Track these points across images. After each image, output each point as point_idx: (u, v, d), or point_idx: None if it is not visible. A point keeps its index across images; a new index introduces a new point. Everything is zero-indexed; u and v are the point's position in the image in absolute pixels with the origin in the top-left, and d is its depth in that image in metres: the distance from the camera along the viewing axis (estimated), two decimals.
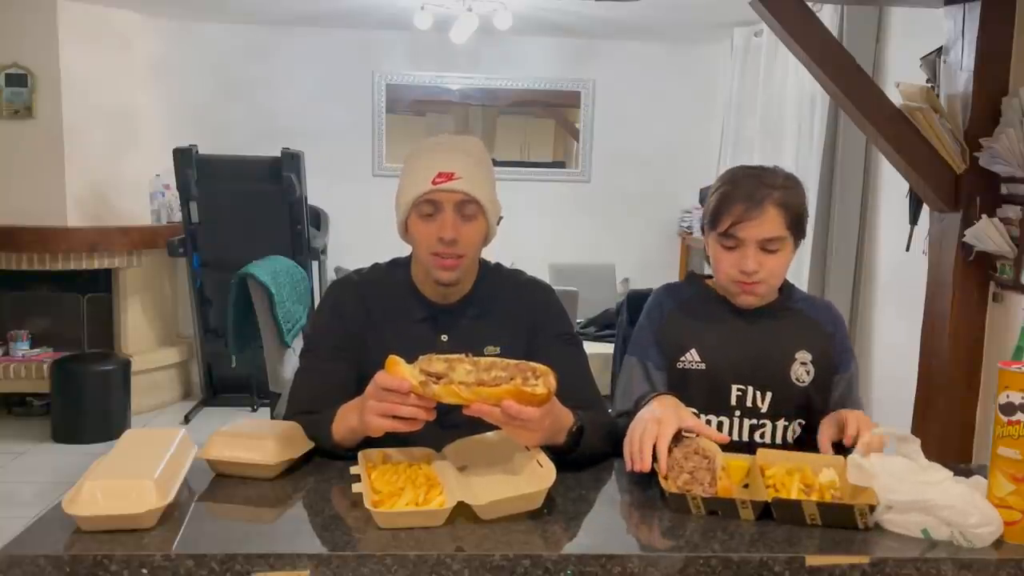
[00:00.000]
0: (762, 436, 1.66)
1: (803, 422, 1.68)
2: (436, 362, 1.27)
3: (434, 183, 1.49)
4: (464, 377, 1.25)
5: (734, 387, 1.66)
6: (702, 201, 1.49)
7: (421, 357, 1.29)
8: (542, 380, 1.24)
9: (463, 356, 1.29)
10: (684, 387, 1.65)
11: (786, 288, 1.73)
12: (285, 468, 1.36)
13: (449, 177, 1.49)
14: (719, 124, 5.02)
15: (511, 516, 1.19)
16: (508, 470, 1.32)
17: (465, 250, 1.53)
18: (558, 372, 1.34)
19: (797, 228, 1.62)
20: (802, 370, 1.66)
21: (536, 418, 1.24)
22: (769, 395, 1.65)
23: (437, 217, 1.52)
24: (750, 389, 1.66)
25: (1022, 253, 2.25)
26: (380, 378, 1.28)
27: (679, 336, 1.68)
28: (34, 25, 4.52)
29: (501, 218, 1.62)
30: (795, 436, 1.68)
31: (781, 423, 1.66)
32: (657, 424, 1.37)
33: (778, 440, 1.66)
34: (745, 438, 1.65)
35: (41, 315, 4.90)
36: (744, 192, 1.59)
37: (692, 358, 1.66)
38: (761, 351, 1.66)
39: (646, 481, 1.37)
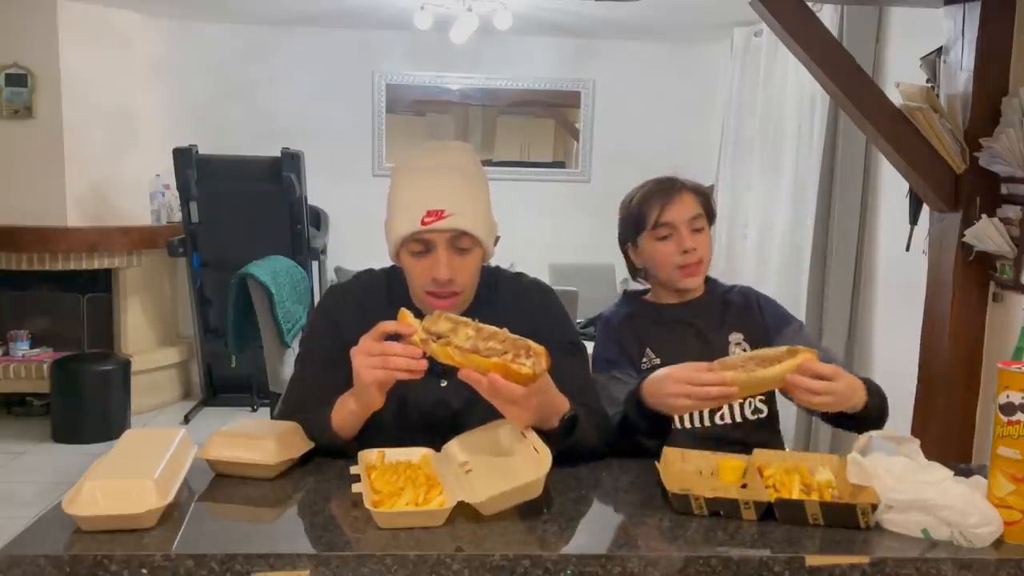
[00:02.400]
0: (722, 418, 1.71)
1: (763, 397, 1.73)
2: (443, 321, 1.31)
3: (424, 223, 1.41)
4: (462, 342, 1.28)
5: None
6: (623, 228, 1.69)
7: (433, 313, 1.33)
8: (533, 361, 1.26)
9: (469, 320, 1.31)
10: None
11: (709, 281, 1.84)
12: (285, 468, 1.36)
13: (439, 215, 1.41)
14: (719, 124, 5.02)
15: (511, 515, 1.19)
16: (505, 461, 1.32)
17: (462, 287, 1.49)
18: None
19: (709, 212, 1.78)
20: (738, 350, 1.73)
21: (520, 396, 1.25)
22: None
23: (429, 256, 1.46)
24: None
25: (1022, 253, 2.25)
26: (386, 324, 1.31)
27: (635, 341, 1.77)
28: (34, 25, 4.52)
29: (498, 238, 1.57)
30: (755, 411, 1.73)
31: (736, 402, 1.70)
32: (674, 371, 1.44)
33: (738, 419, 1.71)
34: (707, 423, 1.70)
35: (41, 315, 4.91)
36: (660, 188, 1.76)
37: (650, 357, 1.75)
38: (701, 340, 1.75)
39: (646, 481, 1.37)
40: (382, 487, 1.24)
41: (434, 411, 1.49)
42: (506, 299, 1.61)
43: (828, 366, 1.42)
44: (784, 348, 1.45)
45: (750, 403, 1.72)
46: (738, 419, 1.71)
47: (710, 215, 1.78)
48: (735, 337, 1.76)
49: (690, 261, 1.72)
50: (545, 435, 1.33)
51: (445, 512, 1.16)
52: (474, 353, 1.26)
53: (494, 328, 1.29)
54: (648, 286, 1.88)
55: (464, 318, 1.32)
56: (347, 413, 1.40)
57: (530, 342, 1.28)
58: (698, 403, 1.42)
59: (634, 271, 1.88)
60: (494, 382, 1.23)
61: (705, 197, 1.78)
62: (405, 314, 1.33)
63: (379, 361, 1.29)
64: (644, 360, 1.75)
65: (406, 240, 1.46)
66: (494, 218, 1.54)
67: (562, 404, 1.39)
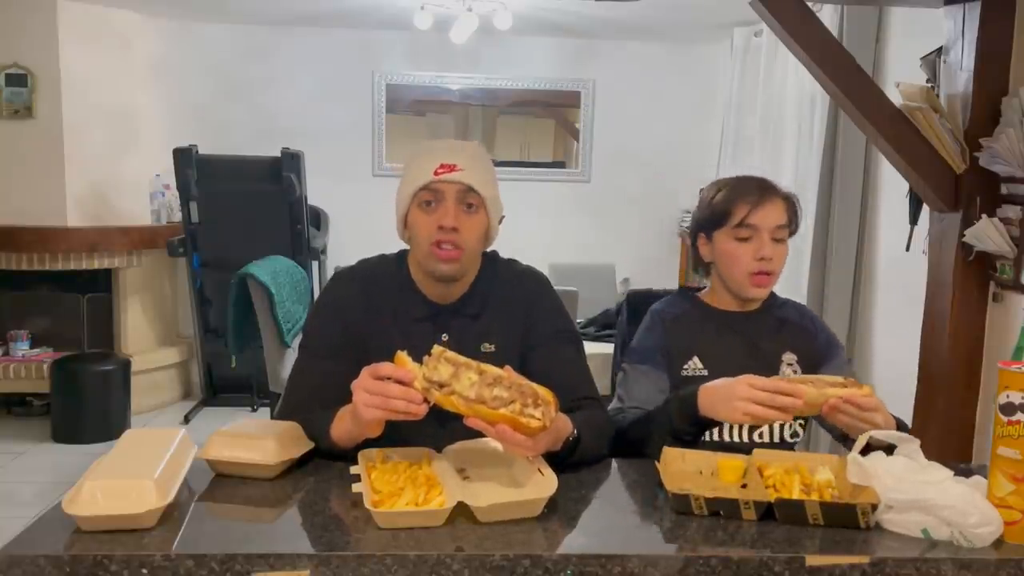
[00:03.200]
0: (760, 436, 1.68)
1: (803, 422, 1.70)
2: (444, 366, 1.27)
3: (436, 174, 1.50)
4: (466, 390, 1.25)
5: None
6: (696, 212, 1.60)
7: (434, 350, 1.30)
8: (542, 410, 1.23)
9: (471, 362, 1.28)
10: None
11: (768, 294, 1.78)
12: (285, 468, 1.36)
13: (451, 168, 1.50)
14: (719, 124, 5.02)
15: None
16: (510, 475, 1.32)
17: (465, 242, 1.52)
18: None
19: (794, 224, 1.71)
20: (788, 371, 1.70)
21: (529, 444, 1.25)
22: None
23: (438, 208, 1.52)
24: None
25: (1022, 253, 2.25)
26: (384, 368, 1.29)
27: (681, 345, 1.72)
28: (34, 25, 4.52)
29: (503, 217, 1.61)
30: (793, 434, 1.70)
31: (777, 423, 1.66)
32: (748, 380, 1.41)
33: (776, 439, 1.68)
34: (745, 439, 1.67)
35: (41, 315, 4.90)
36: (753, 186, 1.68)
37: (695, 364, 1.70)
38: (752, 355, 1.69)
39: (647, 481, 1.37)
40: (382, 487, 1.24)
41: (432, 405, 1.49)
42: (504, 283, 1.63)
43: (874, 401, 1.42)
44: (844, 380, 1.45)
45: (790, 426, 1.69)
46: (776, 439, 1.67)
47: (794, 227, 1.71)
48: (788, 357, 1.72)
49: (764, 269, 1.66)
50: (547, 455, 1.34)
51: (445, 512, 1.16)
52: (480, 403, 1.23)
53: (497, 371, 1.27)
54: (704, 285, 1.83)
55: (465, 359, 1.29)
56: (345, 431, 1.40)
57: (537, 388, 1.26)
58: (763, 412, 1.38)
59: (698, 263, 1.81)
60: (503, 432, 1.22)
61: (794, 208, 1.71)
62: (403, 359, 1.30)
63: (379, 401, 1.28)
64: (687, 367, 1.70)
65: (418, 193, 1.52)
66: (500, 200, 1.59)
67: (565, 427, 1.38)
